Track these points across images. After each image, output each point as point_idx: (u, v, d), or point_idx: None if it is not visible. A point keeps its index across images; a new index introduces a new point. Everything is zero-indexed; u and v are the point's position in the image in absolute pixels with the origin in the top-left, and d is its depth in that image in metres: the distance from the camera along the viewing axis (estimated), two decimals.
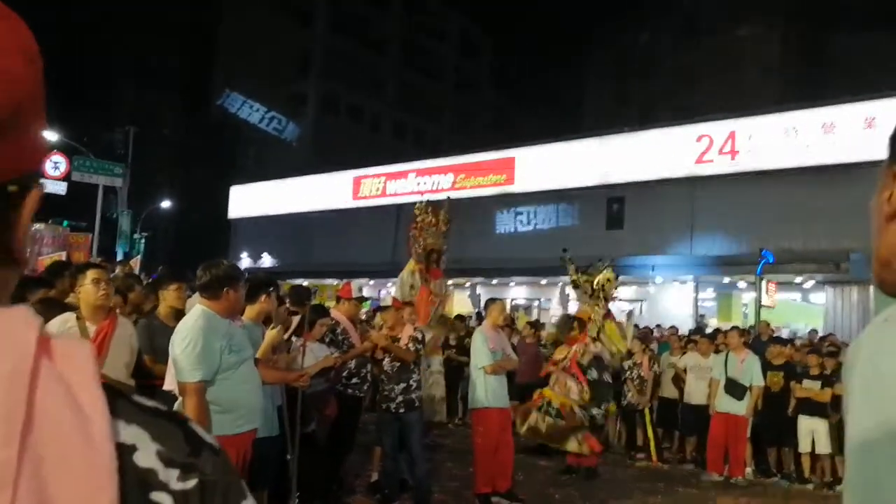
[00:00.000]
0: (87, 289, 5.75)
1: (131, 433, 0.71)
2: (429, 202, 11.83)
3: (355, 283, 9.62)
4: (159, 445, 0.72)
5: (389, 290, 23.47)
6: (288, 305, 8.21)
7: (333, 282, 28.50)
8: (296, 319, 7.81)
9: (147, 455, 0.71)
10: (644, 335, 15.10)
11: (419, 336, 8.83)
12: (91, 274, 5.84)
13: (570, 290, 11.68)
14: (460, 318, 18.17)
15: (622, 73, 58.98)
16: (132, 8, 58.06)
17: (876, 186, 1.17)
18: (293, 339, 7.64)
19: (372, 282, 31.23)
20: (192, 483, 0.72)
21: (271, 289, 6.58)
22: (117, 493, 0.64)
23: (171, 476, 0.71)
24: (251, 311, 6.31)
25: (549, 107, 63.48)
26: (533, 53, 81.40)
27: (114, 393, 0.72)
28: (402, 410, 8.46)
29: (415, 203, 12.52)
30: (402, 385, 8.48)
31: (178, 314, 6.83)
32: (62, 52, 47.22)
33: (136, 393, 0.79)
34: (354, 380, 8.76)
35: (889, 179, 1.12)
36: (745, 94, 43.01)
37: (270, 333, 6.40)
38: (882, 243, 1.12)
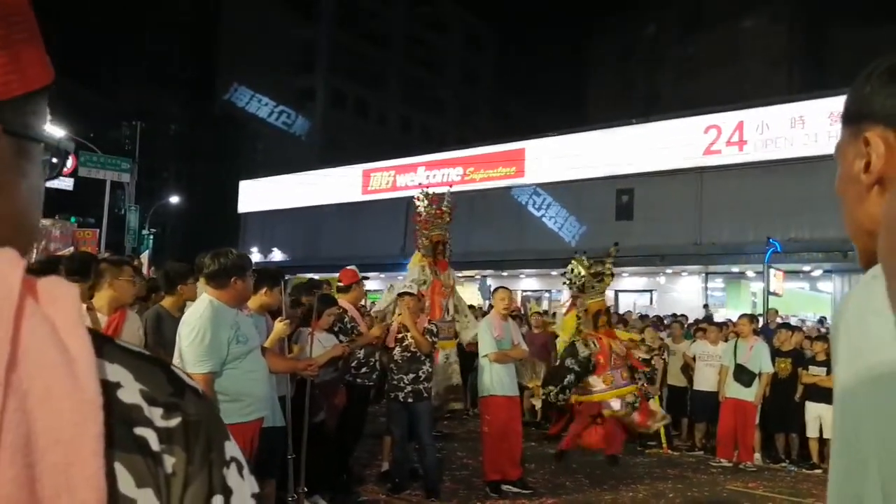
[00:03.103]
0: (124, 285, 5.88)
1: (115, 372, 0.72)
2: (427, 194, 11.76)
3: (353, 271, 9.49)
4: (142, 385, 0.73)
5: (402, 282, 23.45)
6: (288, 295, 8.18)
7: None
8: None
9: (131, 393, 0.72)
10: (654, 324, 15.08)
11: (433, 329, 8.86)
12: (128, 271, 6.04)
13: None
14: (471, 308, 18.21)
15: (627, 64, 58.74)
16: (139, 3, 58.11)
17: (842, 161, 1.18)
18: (300, 329, 7.65)
19: (383, 275, 31.22)
20: (175, 422, 0.73)
21: (275, 283, 6.57)
22: (102, 427, 0.65)
23: (154, 414, 0.72)
24: (252, 302, 6.32)
25: (554, 100, 63.41)
26: (537, 46, 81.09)
27: (99, 336, 0.73)
28: (410, 400, 8.49)
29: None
30: (412, 375, 8.51)
31: (184, 305, 6.88)
32: (69, 47, 47.31)
33: None
34: (364, 369, 8.77)
35: (861, 147, 1.11)
36: (751, 85, 42.87)
37: (279, 326, 6.39)
38: (863, 215, 1.12)
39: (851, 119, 1.16)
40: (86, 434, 0.64)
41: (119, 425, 0.69)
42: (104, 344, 0.74)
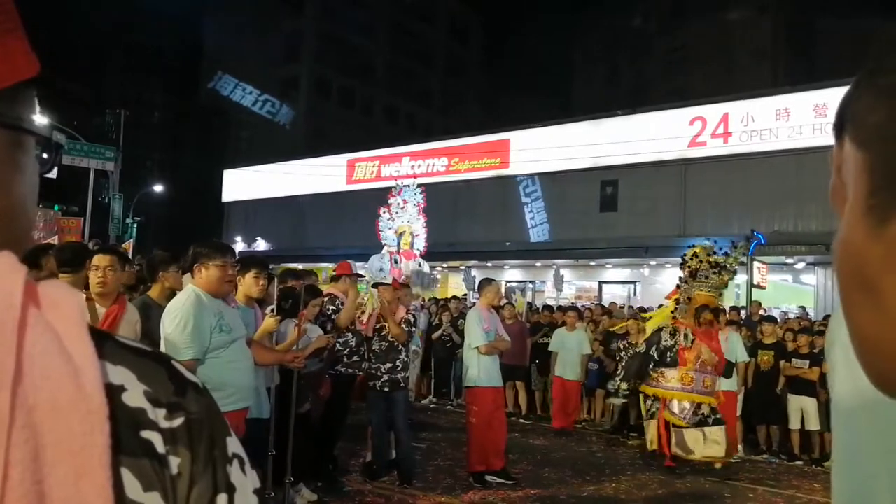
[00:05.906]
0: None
1: (118, 374, 0.71)
2: (397, 189, 11.80)
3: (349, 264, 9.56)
4: (146, 386, 0.72)
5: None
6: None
7: (328, 265, 28.43)
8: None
9: (135, 395, 0.71)
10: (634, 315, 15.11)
11: (411, 319, 8.90)
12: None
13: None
14: (455, 299, 18.25)
15: (614, 56, 58.77)
16: None
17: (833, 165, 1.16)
18: (286, 320, 7.63)
19: (367, 265, 31.11)
20: (178, 422, 0.73)
21: (246, 270, 6.44)
22: (109, 436, 0.64)
23: (159, 415, 0.72)
24: (239, 294, 6.29)
25: (540, 91, 63.38)
26: (524, 37, 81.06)
27: (100, 335, 0.72)
28: (387, 389, 8.63)
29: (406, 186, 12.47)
30: (389, 365, 8.65)
31: (171, 294, 6.85)
32: (53, 34, 47.01)
33: None
34: (355, 357, 8.81)
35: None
36: (737, 77, 42.97)
37: (268, 321, 6.37)
38: None
39: (834, 126, 1.15)
40: (94, 445, 0.63)
41: (125, 430, 0.68)
42: (105, 343, 0.73)
